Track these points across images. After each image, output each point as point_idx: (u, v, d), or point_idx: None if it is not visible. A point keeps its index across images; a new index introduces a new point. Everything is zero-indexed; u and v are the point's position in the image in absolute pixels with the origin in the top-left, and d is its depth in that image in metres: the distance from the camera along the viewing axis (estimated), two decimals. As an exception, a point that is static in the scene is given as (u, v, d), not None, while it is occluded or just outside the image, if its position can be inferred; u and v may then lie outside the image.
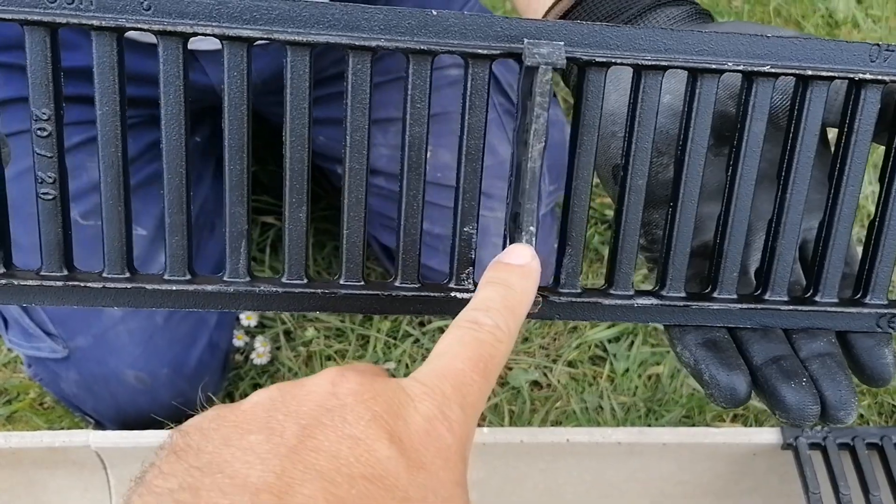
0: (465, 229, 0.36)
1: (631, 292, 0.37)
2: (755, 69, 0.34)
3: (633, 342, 0.88)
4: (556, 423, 0.83)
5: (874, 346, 0.36)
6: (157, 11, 0.32)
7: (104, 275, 0.36)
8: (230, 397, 0.85)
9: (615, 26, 0.34)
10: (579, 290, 0.37)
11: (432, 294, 0.36)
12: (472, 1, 0.85)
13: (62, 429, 0.81)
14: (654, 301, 0.37)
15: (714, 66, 0.34)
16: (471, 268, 0.36)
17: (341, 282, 0.36)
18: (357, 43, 0.33)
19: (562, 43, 0.33)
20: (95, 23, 0.32)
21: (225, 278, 0.35)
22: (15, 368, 0.86)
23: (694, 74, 0.35)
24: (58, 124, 0.33)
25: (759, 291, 0.38)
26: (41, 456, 0.68)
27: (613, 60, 0.34)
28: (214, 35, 0.33)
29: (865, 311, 0.37)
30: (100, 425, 0.79)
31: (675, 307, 0.37)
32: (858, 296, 0.38)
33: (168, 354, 0.74)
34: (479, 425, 0.82)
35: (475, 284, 0.36)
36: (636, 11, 0.41)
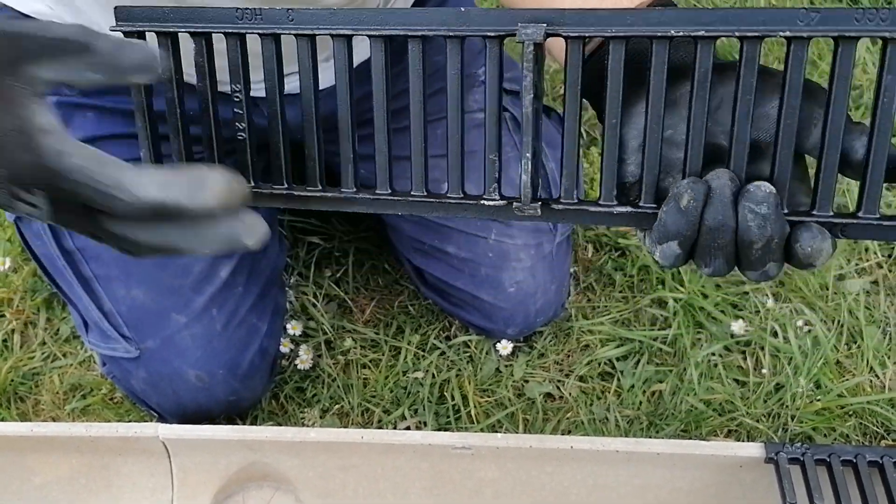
0: (490, 157, 0.49)
1: (614, 202, 0.48)
2: (692, 34, 0.44)
3: (639, 361, 0.95)
4: (566, 433, 0.90)
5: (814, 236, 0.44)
6: (297, 21, 0.48)
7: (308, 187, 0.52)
8: (276, 398, 0.95)
9: (588, 10, 0.45)
10: (575, 201, 0.49)
11: (470, 202, 0.50)
12: None
13: (130, 421, 0.91)
14: (629, 209, 0.48)
15: (660, 34, 0.44)
16: (496, 184, 0.49)
17: (412, 192, 0.50)
18: (412, 33, 0.47)
19: (544, 24, 0.45)
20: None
21: (343, 189, 0.51)
22: (89, 367, 0.96)
23: (650, 40, 0.45)
24: (246, 94, 0.50)
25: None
26: (115, 444, 0.75)
27: (585, 35, 0.45)
28: (329, 34, 0.48)
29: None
30: (162, 419, 0.87)
31: (645, 214, 0.47)
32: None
33: (224, 357, 0.82)
34: (496, 431, 0.91)
35: (500, 195, 0.49)
36: None
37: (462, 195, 0.50)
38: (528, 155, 0.47)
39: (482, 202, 0.50)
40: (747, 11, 0.43)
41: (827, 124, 0.44)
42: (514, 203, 0.49)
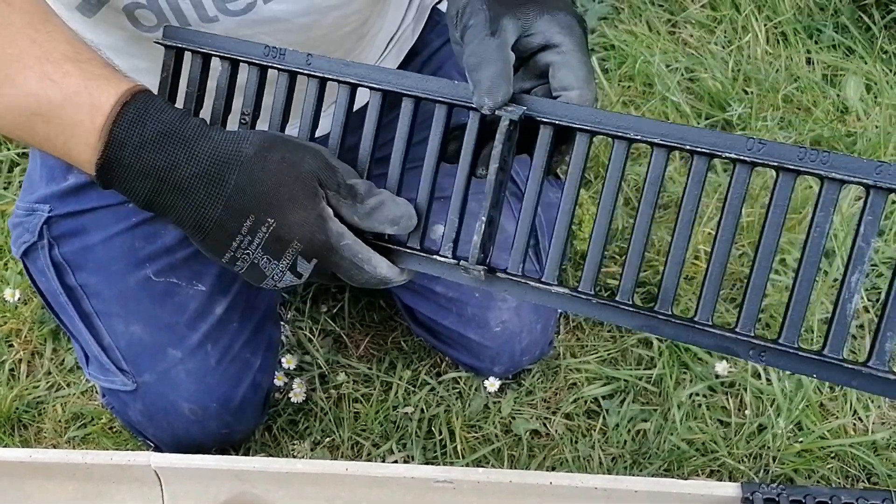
0: (451, 217, 0.54)
1: (554, 282, 0.52)
2: (649, 140, 0.49)
3: (624, 399, 0.97)
4: (550, 469, 0.92)
5: None
6: (314, 67, 0.56)
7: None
8: (269, 430, 0.97)
9: (564, 104, 0.51)
10: (520, 274, 0.53)
11: (424, 255, 0.55)
12: None
13: (128, 450, 0.94)
14: (566, 290, 0.52)
15: (621, 135, 0.50)
16: (451, 244, 0.54)
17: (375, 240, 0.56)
18: (407, 93, 0.54)
19: (524, 108, 0.51)
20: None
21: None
22: (91, 397, 0.99)
23: (612, 137, 0.50)
24: (252, 119, 0.58)
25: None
26: (109, 472, 0.78)
27: (557, 122, 0.51)
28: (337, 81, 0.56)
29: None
30: (158, 449, 0.89)
31: (580, 298, 0.51)
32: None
33: (217, 391, 0.85)
34: (481, 466, 0.92)
35: (453, 254, 0.53)
36: None
37: (418, 248, 0.55)
38: (484, 219, 0.51)
39: (435, 258, 0.54)
40: (702, 131, 0.48)
41: (758, 250, 0.48)
42: (462, 262, 0.53)
